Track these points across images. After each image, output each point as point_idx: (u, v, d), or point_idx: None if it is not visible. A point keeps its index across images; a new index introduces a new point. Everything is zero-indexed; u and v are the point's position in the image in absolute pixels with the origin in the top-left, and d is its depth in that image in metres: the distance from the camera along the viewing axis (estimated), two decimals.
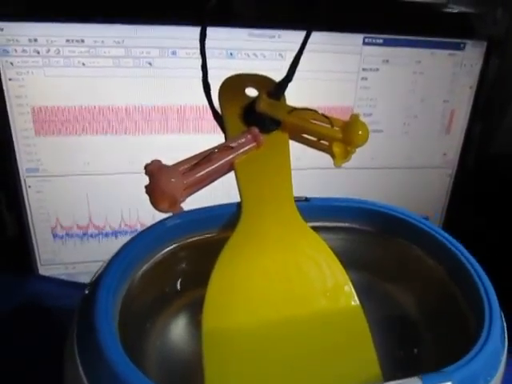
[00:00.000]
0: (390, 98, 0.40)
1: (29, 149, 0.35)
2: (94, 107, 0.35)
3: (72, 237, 0.38)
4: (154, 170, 0.21)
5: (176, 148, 0.37)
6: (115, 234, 0.39)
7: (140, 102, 0.36)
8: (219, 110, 0.25)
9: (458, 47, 0.40)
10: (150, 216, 0.23)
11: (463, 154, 0.44)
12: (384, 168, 0.43)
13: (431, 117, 0.42)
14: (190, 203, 0.22)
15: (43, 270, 0.39)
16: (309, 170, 0.40)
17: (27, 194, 0.37)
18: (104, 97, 0.35)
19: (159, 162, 0.21)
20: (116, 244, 0.21)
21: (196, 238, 0.23)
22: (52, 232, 0.38)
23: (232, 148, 0.24)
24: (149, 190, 0.20)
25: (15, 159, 0.35)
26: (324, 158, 0.24)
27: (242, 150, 0.24)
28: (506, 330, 0.21)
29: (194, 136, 0.37)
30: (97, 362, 0.17)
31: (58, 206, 0.37)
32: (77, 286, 0.38)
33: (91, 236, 0.39)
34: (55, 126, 0.35)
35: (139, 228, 0.38)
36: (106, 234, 0.39)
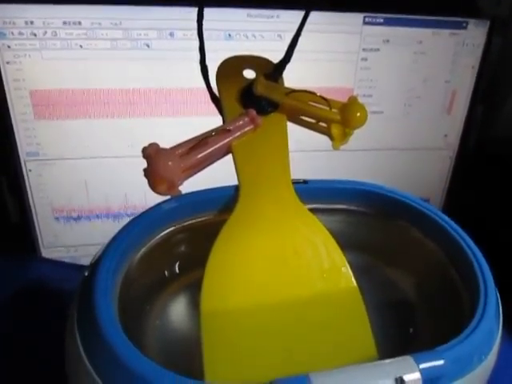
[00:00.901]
0: (390, 78, 0.40)
1: (28, 132, 0.35)
2: (92, 90, 0.35)
3: (73, 220, 0.39)
4: (151, 153, 0.21)
5: (175, 131, 0.37)
6: (116, 216, 0.39)
7: (138, 84, 0.36)
8: (217, 93, 0.25)
9: (460, 26, 0.39)
10: (150, 199, 0.23)
11: (464, 136, 0.44)
12: (384, 150, 0.42)
13: (432, 98, 0.41)
14: (189, 186, 0.22)
15: (46, 253, 0.40)
16: (309, 152, 0.40)
17: (28, 178, 0.37)
18: (102, 79, 0.35)
19: (157, 145, 0.21)
20: (118, 226, 0.21)
21: (194, 221, 0.24)
22: (53, 215, 0.38)
23: (229, 130, 0.24)
24: (147, 173, 0.21)
25: (15, 143, 0.35)
26: (324, 141, 0.24)
27: (239, 133, 0.24)
28: (501, 310, 0.21)
29: (193, 119, 0.37)
30: (96, 341, 0.17)
31: (58, 190, 0.38)
32: (79, 268, 0.39)
33: (92, 219, 0.39)
34: (54, 110, 0.35)
35: (139, 211, 0.38)
36: (107, 217, 0.39)
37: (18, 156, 0.36)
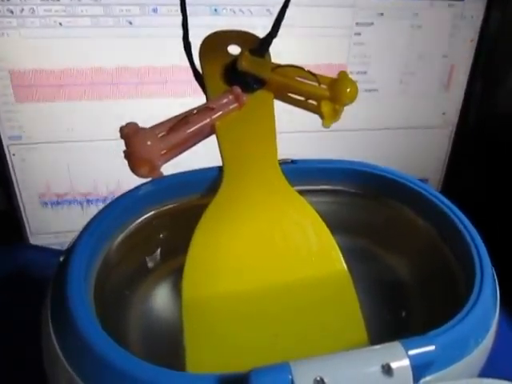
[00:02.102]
0: (385, 54, 0.39)
1: (10, 115, 0.34)
2: (74, 70, 0.34)
3: (60, 205, 0.38)
4: (129, 133, 0.20)
5: (162, 112, 0.35)
6: (104, 200, 0.38)
7: (122, 63, 0.35)
8: (200, 70, 0.24)
9: None
10: (137, 183, 0.22)
11: (463, 113, 0.42)
12: (380, 129, 0.41)
13: (429, 73, 0.40)
14: (172, 168, 0.21)
15: (34, 240, 0.39)
16: (301, 133, 0.39)
17: (12, 163, 0.36)
18: (84, 59, 0.34)
19: (135, 124, 0.20)
20: None
21: (175, 205, 0.23)
22: (39, 200, 0.37)
23: (213, 109, 0.23)
24: (126, 154, 0.20)
25: None
26: (317, 121, 0.23)
27: (223, 111, 0.23)
28: (498, 291, 0.21)
29: (180, 100, 0.36)
30: (67, 329, 0.16)
31: (43, 174, 0.37)
32: None
33: (79, 204, 0.38)
34: (35, 91, 0.34)
35: None
36: (95, 202, 0.38)
37: (1, 140, 0.35)
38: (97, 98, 0.35)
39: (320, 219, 0.22)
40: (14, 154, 0.35)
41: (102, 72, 0.34)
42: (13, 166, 0.36)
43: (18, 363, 0.29)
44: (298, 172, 0.24)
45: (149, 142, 0.20)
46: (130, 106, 0.36)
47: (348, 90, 0.22)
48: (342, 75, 0.23)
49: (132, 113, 0.35)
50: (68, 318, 0.16)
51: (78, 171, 0.37)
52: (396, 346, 0.16)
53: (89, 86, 0.35)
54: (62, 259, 0.19)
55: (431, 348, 0.16)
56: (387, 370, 0.15)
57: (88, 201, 0.38)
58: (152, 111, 0.36)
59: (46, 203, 0.37)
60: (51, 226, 0.39)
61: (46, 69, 0.33)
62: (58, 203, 0.38)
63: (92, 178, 0.38)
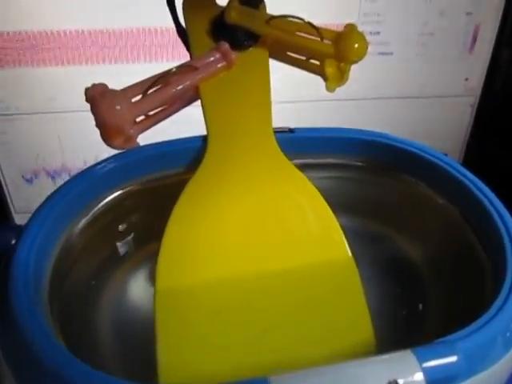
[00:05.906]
0: (401, 11, 0.36)
1: None
2: (56, 31, 0.31)
3: (45, 181, 0.36)
4: (95, 95, 0.18)
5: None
6: None
7: (111, 24, 0.32)
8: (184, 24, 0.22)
9: None
10: None
11: (488, 80, 0.40)
12: (395, 98, 0.39)
13: (451, 34, 0.37)
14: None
15: (19, 219, 0.37)
16: (307, 102, 0.36)
17: None
18: (67, 19, 0.31)
19: (103, 85, 0.18)
20: None
21: (150, 181, 0.21)
22: (23, 177, 0.36)
23: (196, 68, 0.20)
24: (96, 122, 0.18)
25: None
26: (321, 87, 0.21)
27: (208, 71, 0.21)
28: None
29: (174, 64, 0.33)
30: (9, 331, 0.14)
31: (26, 148, 0.35)
32: None
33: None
34: (13, 56, 0.32)
35: None
36: None
37: None
38: (82, 63, 0.33)
39: (321, 198, 0.20)
40: None
41: (88, 33, 0.32)
42: None
43: None
44: (297, 142, 0.22)
45: (118, 107, 0.18)
46: (121, 72, 0.34)
47: (356, 45, 0.19)
48: (350, 28, 0.20)
49: (123, 79, 0.33)
50: (10, 316, 0.14)
51: (65, 145, 0.35)
52: (407, 355, 0.13)
53: (73, 50, 0.32)
54: (13, 242, 0.17)
55: (452, 359, 0.13)
56: None
57: None
58: (140, 77, 0.33)
59: (29, 179, 0.36)
60: (36, 205, 0.36)
61: (23, 30, 0.31)
62: (42, 179, 0.36)
63: (80, 153, 0.36)
